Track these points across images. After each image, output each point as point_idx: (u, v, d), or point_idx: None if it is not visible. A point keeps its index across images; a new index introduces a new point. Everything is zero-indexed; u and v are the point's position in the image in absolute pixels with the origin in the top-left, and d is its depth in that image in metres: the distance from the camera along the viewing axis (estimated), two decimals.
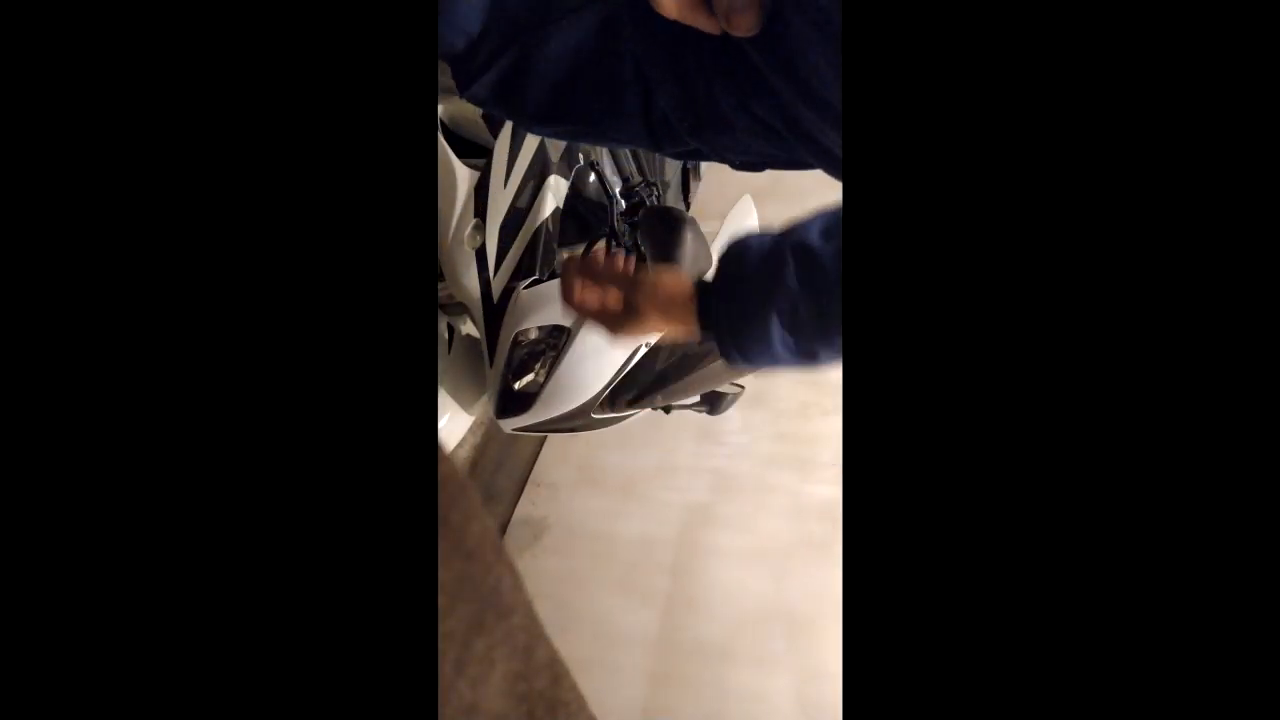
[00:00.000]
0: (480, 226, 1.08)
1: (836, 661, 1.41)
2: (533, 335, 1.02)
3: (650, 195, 1.12)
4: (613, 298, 0.47)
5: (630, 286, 0.46)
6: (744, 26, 0.29)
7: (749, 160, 0.42)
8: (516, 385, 1.03)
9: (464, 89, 0.40)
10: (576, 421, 1.06)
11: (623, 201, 1.18)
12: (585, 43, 0.37)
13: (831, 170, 0.37)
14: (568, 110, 0.39)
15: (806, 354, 0.42)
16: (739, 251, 0.44)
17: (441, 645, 0.16)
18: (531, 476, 1.88)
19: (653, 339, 0.95)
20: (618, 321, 0.47)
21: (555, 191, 1.09)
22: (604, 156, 1.18)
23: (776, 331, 0.41)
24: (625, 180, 1.22)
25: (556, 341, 1.01)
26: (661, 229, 0.81)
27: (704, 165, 1.78)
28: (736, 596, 1.57)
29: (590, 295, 0.47)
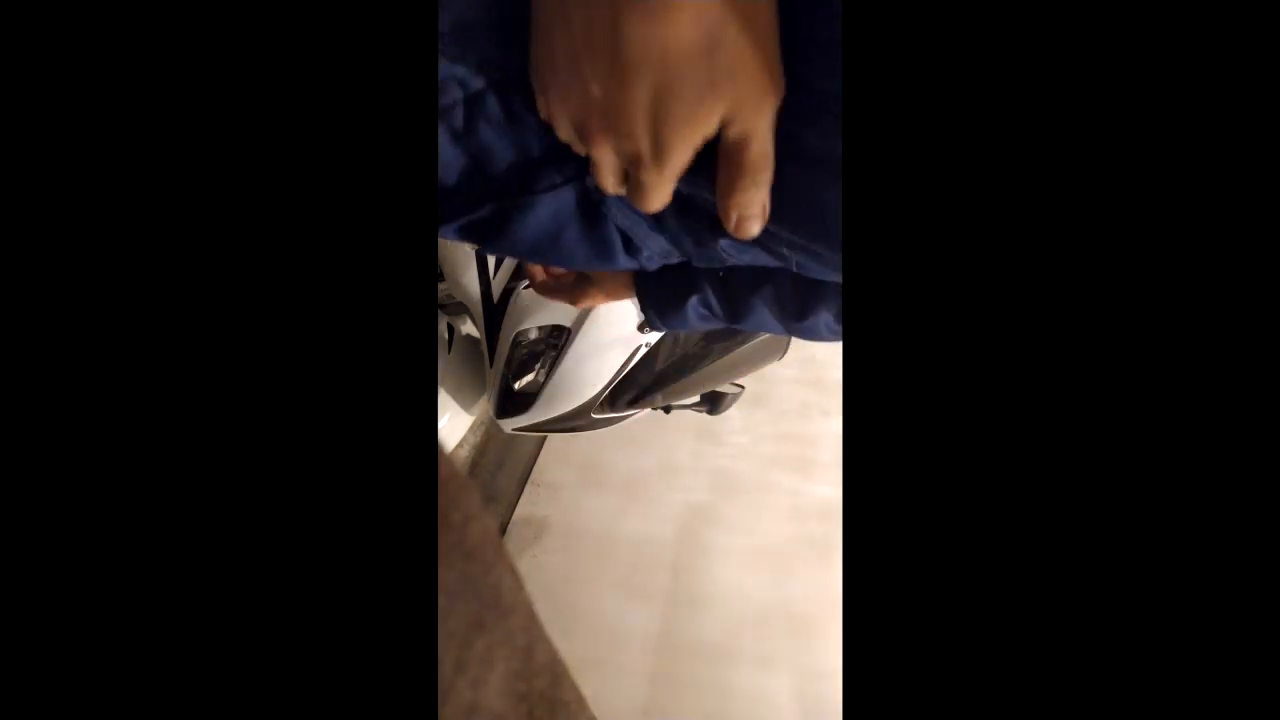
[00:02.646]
0: None
1: (836, 661, 1.41)
2: (533, 335, 1.02)
3: None
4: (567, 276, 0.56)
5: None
6: (748, 232, 0.31)
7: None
8: (516, 385, 1.03)
9: None
10: (576, 421, 1.06)
11: None
12: (567, 206, 0.36)
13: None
14: (553, 257, 0.41)
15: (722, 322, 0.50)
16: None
17: (441, 645, 0.16)
18: (531, 476, 1.88)
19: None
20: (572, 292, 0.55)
21: None
22: None
23: (692, 310, 0.49)
24: None
25: (556, 341, 1.01)
26: None
27: None
28: (737, 596, 1.57)
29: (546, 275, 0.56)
